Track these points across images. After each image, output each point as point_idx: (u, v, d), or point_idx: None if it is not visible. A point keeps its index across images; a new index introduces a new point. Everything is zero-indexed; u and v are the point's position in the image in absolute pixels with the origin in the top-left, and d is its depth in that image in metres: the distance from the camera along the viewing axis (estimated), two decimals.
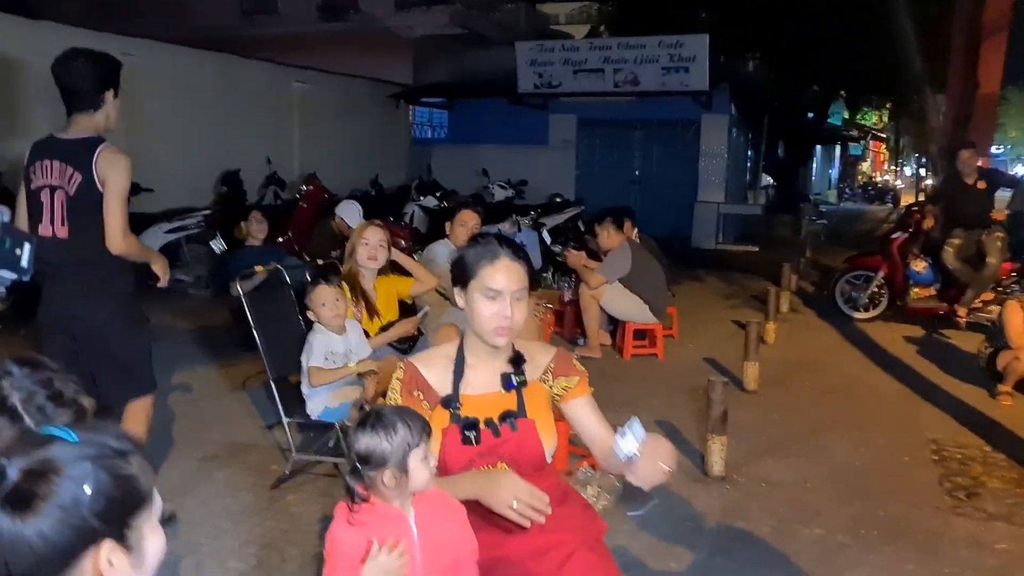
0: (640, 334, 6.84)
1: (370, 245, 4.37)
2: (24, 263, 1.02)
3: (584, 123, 15.91)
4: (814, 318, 8.74)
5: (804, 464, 4.46)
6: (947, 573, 3.31)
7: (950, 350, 7.23)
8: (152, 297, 8.46)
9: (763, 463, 4.46)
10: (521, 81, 14.60)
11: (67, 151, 3.31)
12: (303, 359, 4.01)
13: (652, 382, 6.03)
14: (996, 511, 3.92)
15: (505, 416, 2.23)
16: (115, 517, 1.12)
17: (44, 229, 3.31)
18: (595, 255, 7.02)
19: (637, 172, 15.95)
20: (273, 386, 4.13)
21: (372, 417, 1.98)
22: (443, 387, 2.31)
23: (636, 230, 7.50)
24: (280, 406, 4.09)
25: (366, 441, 1.93)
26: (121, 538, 1.13)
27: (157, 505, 1.21)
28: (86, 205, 3.26)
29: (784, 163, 21.60)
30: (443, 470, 2.30)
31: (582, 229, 10.34)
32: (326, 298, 3.97)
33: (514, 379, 2.28)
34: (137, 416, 3.48)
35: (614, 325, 7.06)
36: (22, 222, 3.37)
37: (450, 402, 2.27)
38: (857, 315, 8.50)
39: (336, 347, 3.96)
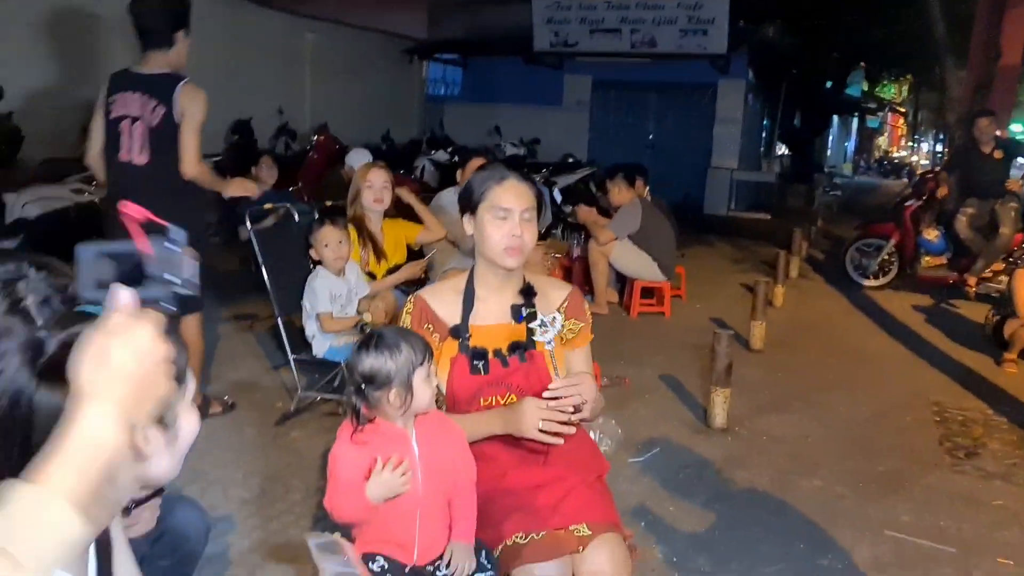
0: (648, 292, 6.85)
1: (374, 187, 4.33)
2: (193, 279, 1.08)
3: (599, 84, 15.75)
4: (823, 284, 8.72)
5: (806, 420, 4.48)
6: (942, 526, 3.33)
7: (958, 319, 7.20)
8: None
9: (765, 418, 4.48)
10: (537, 39, 14.44)
11: (149, 84, 3.65)
12: (305, 303, 4.05)
13: (658, 339, 6.04)
14: (994, 470, 3.93)
15: (514, 347, 2.24)
16: None
17: (123, 155, 3.66)
18: (606, 213, 7.00)
19: (651, 136, 15.83)
20: (280, 325, 4.15)
21: (375, 338, 1.99)
22: (452, 318, 2.32)
23: (647, 188, 7.48)
24: (287, 344, 4.12)
25: (371, 361, 1.95)
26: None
27: (191, 388, 1.21)
28: (165, 134, 3.62)
29: (800, 132, 21.37)
30: (452, 399, 2.32)
31: (594, 191, 10.30)
32: (330, 238, 3.98)
33: (524, 310, 2.29)
34: (193, 328, 3.77)
35: (622, 284, 7.07)
36: (96, 151, 3.74)
37: (459, 332, 2.29)
38: (866, 282, 8.47)
39: (338, 289, 3.99)
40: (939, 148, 25.51)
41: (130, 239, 1.14)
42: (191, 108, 3.68)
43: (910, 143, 41.42)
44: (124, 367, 1.02)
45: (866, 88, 30.73)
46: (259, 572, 2.79)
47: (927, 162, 29.55)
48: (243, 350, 5.24)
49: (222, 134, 10.79)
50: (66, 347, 1.07)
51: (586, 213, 6.84)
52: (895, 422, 4.55)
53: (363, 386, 1.94)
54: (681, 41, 13.72)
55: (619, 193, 6.75)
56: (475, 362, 2.18)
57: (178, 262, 1.13)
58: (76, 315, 1.15)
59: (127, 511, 1.82)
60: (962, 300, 7.74)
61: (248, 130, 10.55)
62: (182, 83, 3.70)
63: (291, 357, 4.12)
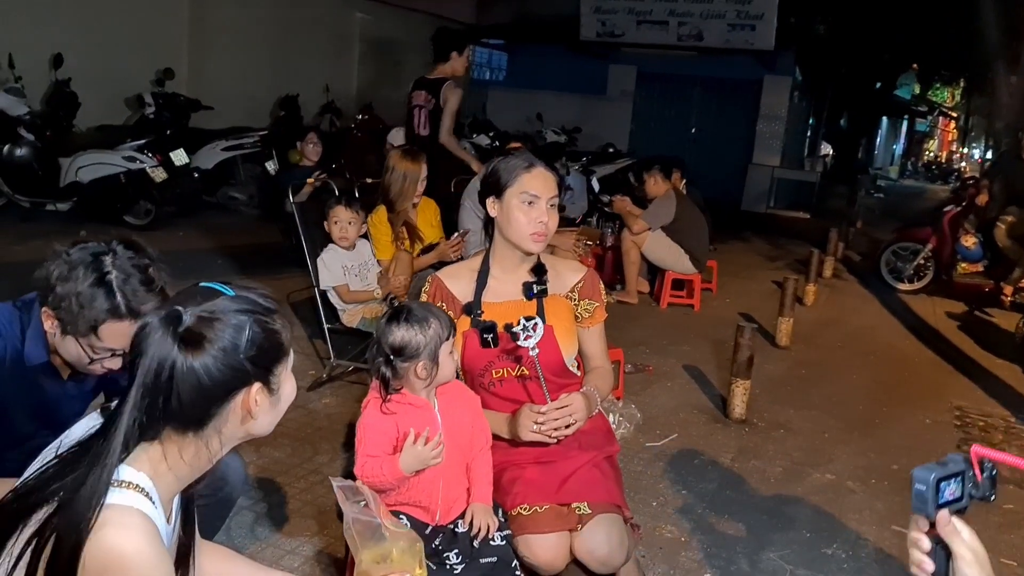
0: (679, 284, 6.91)
1: (422, 179, 4.44)
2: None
3: (644, 76, 15.74)
4: (856, 285, 8.71)
5: (824, 416, 4.54)
6: None
7: (990, 327, 7.18)
8: (206, 214, 8.75)
9: (784, 412, 4.55)
10: (584, 28, 14.47)
11: (430, 85, 5.68)
12: (322, 278, 4.22)
13: (685, 330, 6.12)
14: (1009, 476, 3.96)
15: (526, 318, 2.31)
16: (263, 363, 1.34)
17: (416, 130, 5.74)
18: (641, 204, 7.07)
19: (693, 130, 15.79)
20: (317, 295, 4.31)
21: (405, 312, 2.12)
22: (467, 296, 2.44)
23: (684, 182, 7.54)
24: (322, 313, 4.28)
25: (401, 334, 2.07)
26: (267, 382, 1.36)
27: (292, 357, 1.43)
28: (435, 116, 5.60)
29: (846, 132, 21.15)
30: (465, 371, 2.45)
31: (632, 181, 10.35)
32: (340, 217, 4.20)
33: (535, 288, 2.40)
34: None
35: (653, 275, 7.14)
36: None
37: (472, 308, 2.41)
38: (901, 286, 8.45)
39: (348, 260, 4.21)
40: (989, 155, 25.04)
41: None
42: (450, 99, 5.48)
43: (960, 147, 40.65)
44: None
45: (917, 91, 30.24)
46: (285, 527, 2.94)
47: (975, 169, 29.02)
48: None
49: (268, 109, 11.02)
50: (200, 319, 1.28)
51: (621, 203, 6.92)
52: (914, 423, 4.60)
53: (391, 357, 2.06)
54: (728, 36, 13.67)
55: (655, 184, 6.82)
56: (485, 335, 2.29)
57: None
58: (205, 290, 1.35)
59: None
60: (997, 309, 7.70)
61: (295, 106, 10.75)
62: (446, 83, 5.50)
63: (325, 327, 4.28)
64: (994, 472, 1.10)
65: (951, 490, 1.07)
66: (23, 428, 1.91)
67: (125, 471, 1.28)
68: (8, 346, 1.86)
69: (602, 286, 2.56)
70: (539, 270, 2.43)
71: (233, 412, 1.33)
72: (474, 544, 2.15)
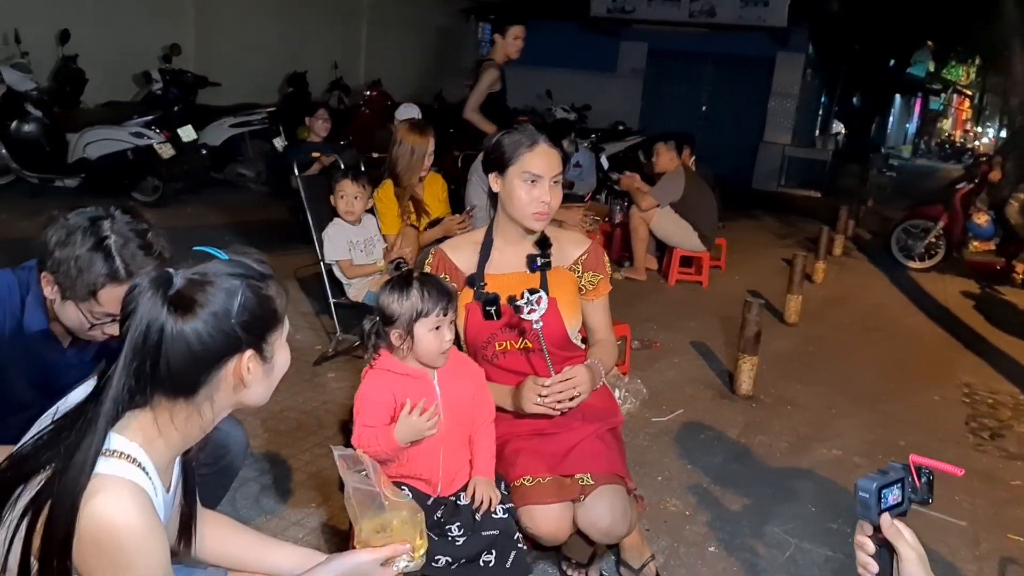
0: (687, 261, 6.88)
1: (429, 154, 4.42)
2: None
3: (655, 53, 15.60)
4: (866, 263, 8.66)
5: (832, 392, 4.53)
6: (956, 500, 3.38)
7: (1001, 305, 7.14)
8: (214, 190, 8.74)
9: (791, 388, 4.53)
10: (594, 4, 14.35)
11: (477, 67, 5.57)
12: (327, 252, 4.23)
13: (693, 307, 6.09)
14: (1017, 452, 3.96)
15: (530, 291, 2.30)
16: (255, 330, 1.31)
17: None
18: (651, 181, 7.02)
19: (704, 107, 15.67)
20: (323, 270, 4.31)
21: (398, 279, 2.11)
22: (470, 268, 2.42)
23: (694, 158, 7.48)
24: (328, 288, 4.28)
25: (384, 298, 2.07)
26: (259, 350, 1.32)
27: (287, 326, 1.40)
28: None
29: (858, 110, 20.95)
30: (468, 344, 2.43)
31: (641, 159, 10.28)
32: (346, 191, 4.19)
33: (539, 260, 2.38)
34: None
35: (661, 252, 7.11)
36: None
37: (474, 280, 2.39)
38: (911, 264, 8.40)
39: (354, 236, 4.20)
40: (1003, 133, 24.77)
41: None
42: (482, 79, 5.37)
43: (975, 127, 40.26)
44: None
45: (931, 68, 29.90)
46: (290, 499, 2.95)
47: (991, 147, 28.74)
48: (288, 294, 5.40)
49: (277, 86, 10.98)
50: (191, 282, 1.25)
51: (629, 179, 6.87)
52: (922, 400, 4.58)
53: (377, 319, 2.06)
54: (741, 12, 13.53)
55: (664, 161, 6.78)
56: (487, 308, 2.27)
57: None
58: (198, 254, 1.32)
59: None
60: (1008, 287, 7.65)
61: (303, 83, 10.71)
62: (484, 64, 5.48)
63: (331, 301, 4.28)
64: (931, 477, 1.20)
65: (893, 496, 1.17)
66: (23, 396, 1.91)
67: (116, 440, 1.25)
68: (7, 313, 1.86)
69: (606, 259, 2.54)
70: (543, 243, 2.41)
71: (225, 380, 1.30)
72: (476, 517, 2.15)
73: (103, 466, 1.21)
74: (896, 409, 4.38)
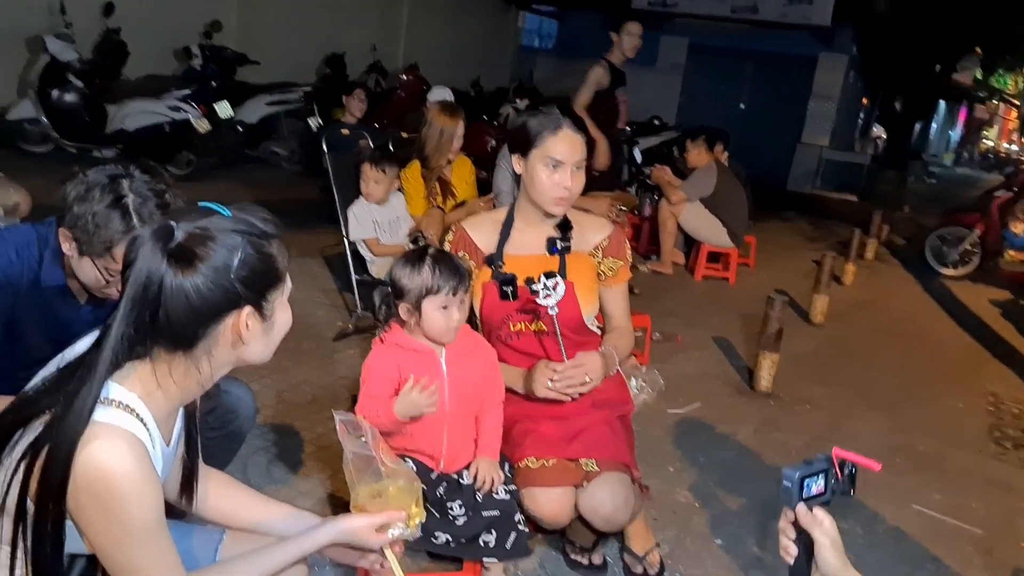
0: (714, 257, 6.83)
1: (459, 136, 4.43)
2: None
3: (695, 48, 15.46)
4: (898, 269, 8.54)
5: (852, 395, 4.47)
6: (972, 507, 3.33)
7: None
8: (246, 167, 8.82)
9: (811, 387, 4.49)
10: None
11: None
12: (352, 230, 4.26)
13: (717, 303, 6.05)
14: None
15: (547, 276, 2.29)
16: (255, 287, 1.31)
17: None
18: (682, 175, 6.97)
19: (743, 105, 15.51)
20: (346, 247, 4.33)
21: (413, 253, 2.11)
22: (489, 248, 2.42)
23: (727, 155, 7.41)
24: (351, 265, 4.30)
25: (396, 271, 2.08)
26: (258, 307, 1.33)
27: (288, 286, 1.41)
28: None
29: (900, 115, 20.58)
30: (483, 323, 2.43)
31: (675, 154, 10.20)
32: (366, 176, 4.23)
33: (559, 244, 2.37)
34: None
35: (689, 247, 7.06)
36: None
37: (493, 260, 2.39)
38: (944, 271, 8.27)
39: (379, 216, 4.22)
40: None
41: None
42: (589, 74, 5.53)
43: (1021, 138, 39.44)
44: None
45: (979, 76, 29.30)
46: (300, 469, 2.98)
47: None
48: (314, 271, 5.46)
49: (315, 66, 11.04)
50: (193, 236, 1.25)
51: (660, 172, 6.83)
52: (945, 407, 4.51)
53: (389, 290, 2.07)
54: (785, 9, 13.37)
55: (697, 155, 6.73)
56: (504, 288, 2.26)
57: None
58: (202, 209, 1.32)
59: None
60: None
61: (341, 64, 10.74)
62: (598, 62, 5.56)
63: (353, 277, 4.30)
64: (853, 471, 1.27)
65: (817, 486, 1.23)
66: (39, 350, 1.94)
67: (115, 389, 1.27)
68: (25, 267, 1.89)
69: (628, 246, 2.52)
70: (564, 226, 2.40)
71: (223, 335, 1.30)
72: (477, 497, 2.16)
73: (101, 414, 1.23)
74: (917, 414, 4.32)
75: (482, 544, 2.14)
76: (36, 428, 1.25)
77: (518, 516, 2.19)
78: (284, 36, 10.57)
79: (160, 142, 7.68)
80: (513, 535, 2.17)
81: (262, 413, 3.31)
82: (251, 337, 1.33)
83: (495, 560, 2.19)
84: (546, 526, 2.30)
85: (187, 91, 7.93)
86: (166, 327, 1.25)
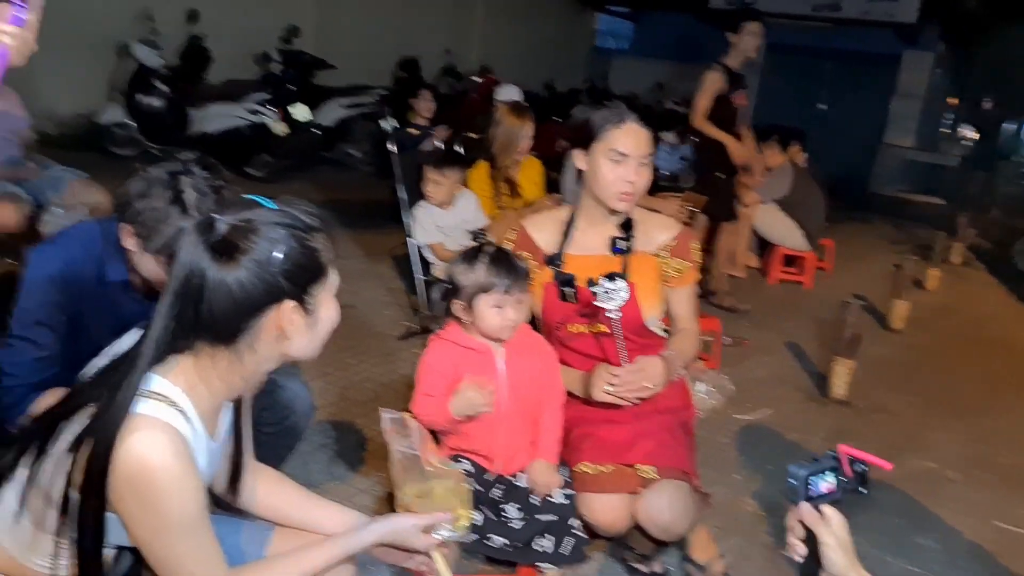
0: (789, 260, 6.66)
1: (527, 136, 4.42)
2: None
3: (773, 47, 14.97)
4: (985, 274, 8.17)
5: (932, 404, 4.29)
6: None
7: None
8: (322, 169, 8.97)
9: (887, 395, 4.32)
10: None
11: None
12: (417, 234, 4.29)
13: (790, 307, 5.89)
14: None
15: (609, 278, 2.24)
16: (298, 281, 1.30)
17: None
18: None
19: (823, 105, 15.09)
20: (410, 247, 4.36)
21: (471, 250, 2.10)
22: (551, 247, 2.38)
23: (805, 155, 7.20)
24: (418, 264, 4.33)
25: (453, 267, 2.07)
26: (302, 301, 1.31)
27: (334, 281, 1.38)
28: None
29: (989, 115, 19.77)
30: (543, 324, 2.40)
31: None
32: (428, 177, 4.22)
33: (621, 243, 2.32)
34: None
35: (763, 250, 6.89)
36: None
37: (554, 260, 2.35)
38: None
39: (442, 220, 4.20)
40: None
41: None
42: (703, 81, 5.20)
43: None
44: None
45: None
46: (361, 468, 3.00)
47: None
48: (382, 271, 5.51)
49: (390, 70, 11.18)
50: (235, 229, 1.25)
51: None
52: None
53: (448, 287, 2.06)
54: (868, 6, 12.94)
55: (771, 155, 6.57)
56: (563, 288, 2.23)
57: None
58: (245, 201, 1.32)
59: None
60: None
61: (415, 67, 10.86)
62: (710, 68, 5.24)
63: (417, 278, 4.32)
64: (865, 469, 1.26)
65: (826, 484, 1.23)
66: (103, 345, 1.99)
67: (158, 382, 1.28)
68: (90, 263, 1.94)
69: (696, 246, 2.44)
70: (627, 225, 2.35)
71: (266, 329, 1.30)
72: (534, 500, 2.13)
73: (142, 406, 1.24)
74: (1000, 425, 4.12)
75: (538, 549, 2.12)
76: (82, 420, 1.28)
77: (575, 521, 2.16)
78: (360, 40, 10.74)
79: (239, 144, 7.88)
80: (570, 540, 2.14)
81: (325, 410, 3.37)
82: (294, 332, 1.33)
83: (551, 566, 2.16)
84: (602, 533, 2.26)
85: (265, 95, 8.12)
86: (208, 321, 1.25)
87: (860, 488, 1.26)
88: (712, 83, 5.15)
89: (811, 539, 1.22)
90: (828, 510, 1.22)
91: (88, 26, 7.99)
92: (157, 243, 1.78)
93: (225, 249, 1.24)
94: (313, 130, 8.56)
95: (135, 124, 7.78)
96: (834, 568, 1.20)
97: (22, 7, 1.45)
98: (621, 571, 2.51)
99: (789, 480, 1.22)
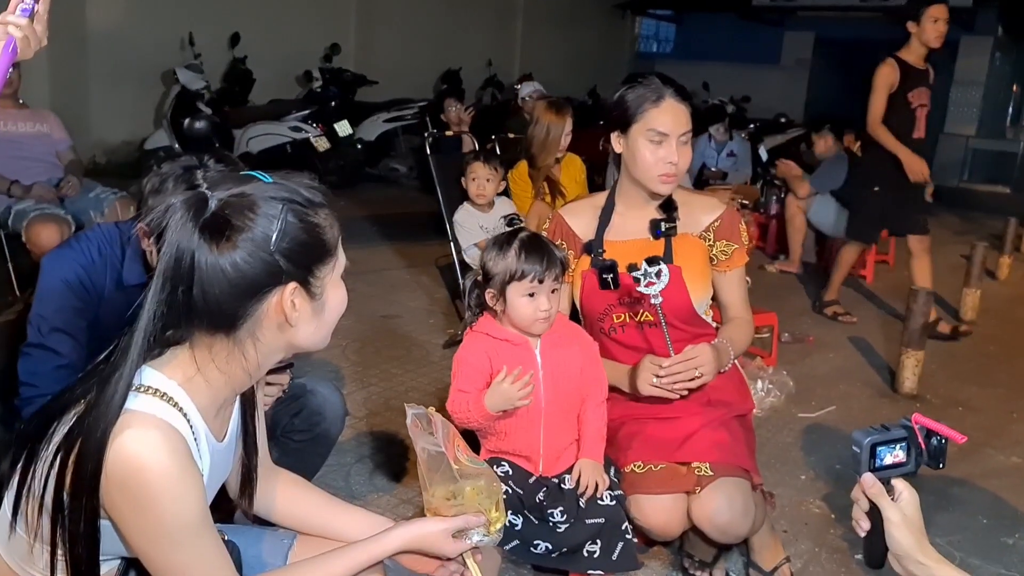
0: None
1: (566, 134, 4.29)
2: None
3: (822, 42, 14.77)
4: None
5: (1013, 395, 4.02)
6: None
7: None
8: (366, 185, 8.95)
9: (964, 388, 4.06)
10: None
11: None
12: (461, 239, 4.18)
13: (853, 302, 5.62)
14: None
15: (650, 263, 2.05)
16: (300, 261, 1.17)
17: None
18: (811, 170, 6.58)
19: None
20: (453, 252, 4.26)
21: (503, 236, 1.97)
22: (588, 234, 2.25)
23: (859, 144, 6.94)
24: (459, 271, 4.22)
25: (485, 253, 1.95)
26: (305, 284, 1.19)
27: (342, 262, 1.26)
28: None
29: None
30: (584, 315, 2.26)
31: (803, 148, 9.74)
32: (477, 173, 4.10)
33: (663, 226, 2.17)
34: None
35: (820, 246, 6.63)
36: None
37: (592, 247, 2.21)
38: None
39: (486, 222, 4.08)
40: None
41: None
42: (876, 80, 4.77)
43: None
44: None
45: None
46: (404, 478, 2.88)
47: None
48: (426, 281, 5.42)
49: (432, 83, 11.18)
50: (228, 205, 1.13)
51: (785, 166, 6.47)
52: None
53: (479, 275, 1.94)
54: None
55: (824, 146, 6.35)
56: (604, 276, 2.09)
57: None
58: (239, 175, 1.21)
59: None
60: None
61: (457, 80, 10.83)
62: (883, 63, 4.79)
63: (461, 283, 4.20)
64: (943, 442, 1.16)
65: (894, 455, 1.14)
66: None
67: (151, 376, 1.17)
68: (108, 266, 1.87)
69: (743, 227, 2.27)
70: (668, 206, 2.20)
71: (267, 315, 1.18)
72: (580, 503, 1.98)
73: (134, 402, 1.13)
74: None
75: (586, 555, 1.97)
76: (70, 419, 1.17)
77: (625, 525, 2.00)
78: (401, 55, 10.76)
79: (282, 162, 7.89)
80: (620, 545, 1.98)
81: (368, 421, 3.28)
82: (299, 318, 1.20)
83: (600, 573, 2.00)
84: (656, 537, 2.10)
85: (306, 112, 8.14)
86: (202, 305, 1.13)
87: (937, 463, 1.16)
88: (884, 79, 4.72)
89: (875, 513, 1.13)
90: (899, 483, 1.13)
91: (135, 56, 8.14)
92: None
93: (217, 226, 1.12)
94: (356, 145, 8.55)
95: (180, 148, 7.85)
96: (898, 548, 1.10)
97: None
98: None
99: (853, 448, 1.13)
